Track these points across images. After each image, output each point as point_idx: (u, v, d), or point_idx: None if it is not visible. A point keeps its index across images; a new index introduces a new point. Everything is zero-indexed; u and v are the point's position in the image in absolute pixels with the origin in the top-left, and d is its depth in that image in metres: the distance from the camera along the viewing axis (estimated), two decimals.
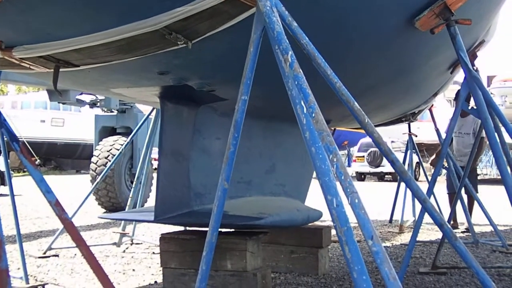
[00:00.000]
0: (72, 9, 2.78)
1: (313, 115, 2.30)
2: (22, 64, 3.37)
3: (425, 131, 20.55)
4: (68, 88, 9.00)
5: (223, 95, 4.42)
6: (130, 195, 7.51)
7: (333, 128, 8.66)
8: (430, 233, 8.48)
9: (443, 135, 8.52)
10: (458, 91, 8.10)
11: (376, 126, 8.09)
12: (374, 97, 5.38)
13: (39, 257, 6.55)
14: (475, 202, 7.94)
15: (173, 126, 4.52)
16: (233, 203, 4.62)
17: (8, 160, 5.62)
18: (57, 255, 6.69)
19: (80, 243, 3.56)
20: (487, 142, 4.55)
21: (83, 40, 3.02)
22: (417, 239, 5.48)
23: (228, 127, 2.77)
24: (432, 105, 8.92)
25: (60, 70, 3.42)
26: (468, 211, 7.85)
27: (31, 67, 3.44)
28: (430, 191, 5.03)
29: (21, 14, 2.78)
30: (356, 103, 2.70)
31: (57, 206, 3.62)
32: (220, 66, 3.85)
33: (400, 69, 4.87)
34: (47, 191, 3.65)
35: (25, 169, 3.81)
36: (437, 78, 6.00)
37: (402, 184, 8.36)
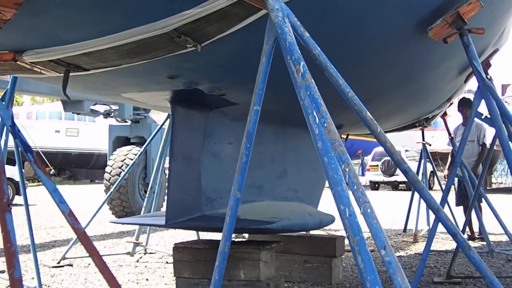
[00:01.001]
0: (82, 12, 2.78)
1: (325, 125, 2.29)
2: (34, 68, 3.38)
3: (439, 139, 20.47)
4: (79, 93, 9.04)
5: (233, 100, 4.42)
6: (144, 205, 7.54)
7: (345, 136, 8.61)
8: (444, 242, 8.41)
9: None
10: (460, 100, 8.13)
11: (390, 131, 8.07)
12: (386, 101, 5.36)
13: (53, 267, 6.58)
14: (488, 210, 7.85)
15: (184, 130, 4.52)
16: (244, 207, 4.61)
17: (23, 170, 5.67)
18: (71, 265, 6.71)
19: (93, 253, 3.56)
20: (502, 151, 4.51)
21: (93, 43, 3.02)
22: (432, 248, 5.44)
23: (239, 131, 2.75)
24: (446, 114, 8.87)
25: (71, 74, 3.42)
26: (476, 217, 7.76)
27: (42, 71, 3.44)
28: (444, 201, 5.00)
29: (31, 18, 2.77)
30: (368, 112, 2.69)
31: (70, 216, 3.63)
32: (230, 70, 3.84)
33: (410, 74, 4.86)
34: (60, 201, 3.66)
35: (39, 179, 3.81)
36: (449, 83, 5.97)
37: (416, 193, 8.28)
